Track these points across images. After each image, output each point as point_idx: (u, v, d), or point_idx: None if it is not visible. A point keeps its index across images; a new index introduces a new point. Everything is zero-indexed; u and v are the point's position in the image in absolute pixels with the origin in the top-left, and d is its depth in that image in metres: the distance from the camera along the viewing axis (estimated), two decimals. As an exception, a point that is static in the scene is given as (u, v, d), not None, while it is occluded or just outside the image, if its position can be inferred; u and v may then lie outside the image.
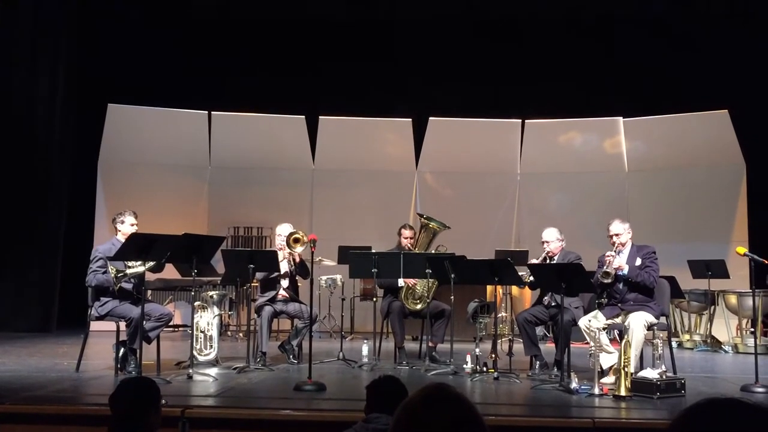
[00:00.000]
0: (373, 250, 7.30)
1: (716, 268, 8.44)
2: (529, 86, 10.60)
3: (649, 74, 10.37)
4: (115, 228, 6.26)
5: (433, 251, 7.19)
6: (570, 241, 6.79)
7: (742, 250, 5.88)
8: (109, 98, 10.21)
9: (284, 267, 6.86)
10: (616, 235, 6.04)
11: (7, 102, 9.74)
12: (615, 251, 5.97)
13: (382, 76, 10.84)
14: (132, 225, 6.20)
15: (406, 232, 7.30)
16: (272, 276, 6.84)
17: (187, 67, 10.56)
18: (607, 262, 5.91)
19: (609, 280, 5.87)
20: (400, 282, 7.04)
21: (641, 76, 10.42)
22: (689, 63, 9.96)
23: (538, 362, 6.38)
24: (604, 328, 5.90)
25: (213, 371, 6.12)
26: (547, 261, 6.46)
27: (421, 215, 7.83)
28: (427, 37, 10.81)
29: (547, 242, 6.50)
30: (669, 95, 10.19)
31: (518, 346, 7.12)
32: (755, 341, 6.23)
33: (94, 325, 6.38)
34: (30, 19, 9.84)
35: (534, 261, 6.53)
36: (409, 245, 7.21)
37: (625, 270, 5.90)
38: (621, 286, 5.97)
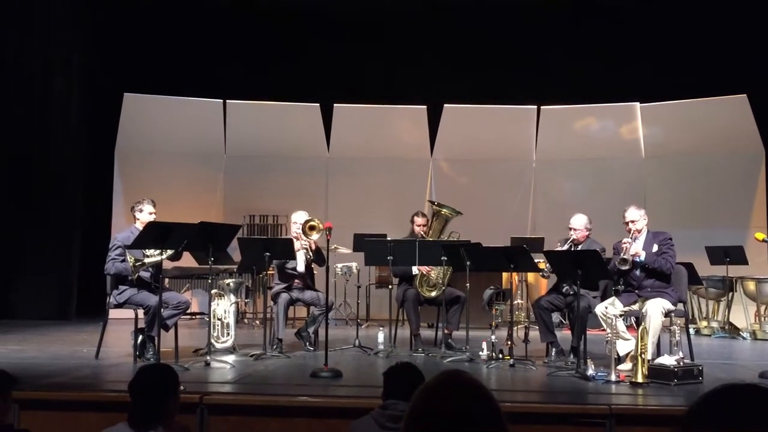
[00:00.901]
0: (389, 238, 7.31)
1: (734, 255, 8.38)
2: (545, 70, 10.50)
3: (666, 58, 10.23)
4: (134, 216, 6.30)
5: (446, 238, 7.19)
6: (587, 228, 6.75)
7: (761, 235, 5.84)
8: (125, 89, 10.26)
9: (300, 255, 6.88)
10: (632, 221, 6.00)
11: (24, 94, 9.81)
12: (631, 238, 5.94)
13: (396, 64, 10.77)
14: (150, 213, 6.23)
15: (419, 220, 7.29)
16: (289, 265, 6.87)
17: (202, 58, 10.56)
18: (624, 249, 5.87)
19: (627, 267, 5.84)
20: (414, 270, 7.05)
21: (658, 59, 10.27)
22: (708, 48, 9.81)
23: (554, 349, 6.37)
24: (620, 315, 5.88)
25: (230, 358, 6.17)
26: (571, 248, 6.40)
27: (432, 202, 7.82)
28: (441, 24, 10.74)
29: (574, 229, 6.42)
30: (687, 79, 10.05)
31: (534, 333, 7.10)
32: (774, 328, 6.19)
33: (113, 313, 6.44)
34: (44, 12, 9.89)
35: (558, 247, 6.47)
36: (422, 233, 7.21)
37: (642, 256, 5.86)
38: (638, 272, 5.93)
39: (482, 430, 1.34)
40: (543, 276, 6.56)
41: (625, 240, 5.94)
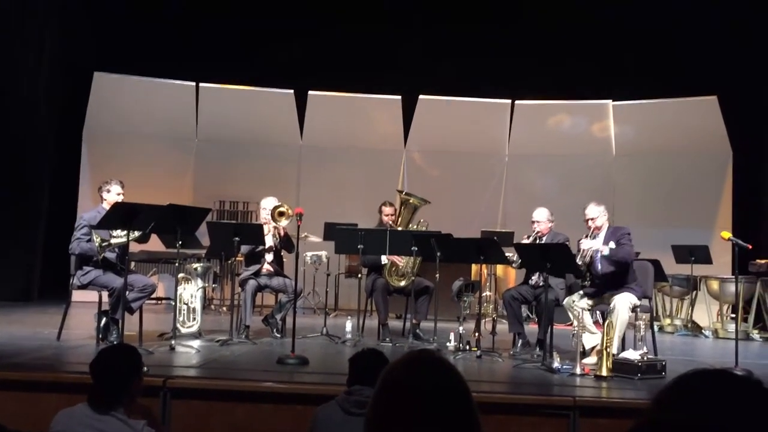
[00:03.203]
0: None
1: (699, 254, 8.51)
2: (520, 66, 10.54)
3: (638, 56, 10.33)
4: (101, 197, 6.20)
5: (414, 227, 7.20)
6: (556, 224, 6.80)
7: (727, 234, 5.92)
8: (95, 68, 10.08)
9: (269, 241, 6.82)
10: (591, 219, 6.05)
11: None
12: (590, 235, 5.97)
13: (372, 53, 10.71)
14: (118, 194, 6.13)
15: (387, 209, 7.30)
16: (257, 250, 6.81)
17: (176, 39, 10.39)
18: (582, 252, 5.89)
19: (587, 281, 5.95)
20: (383, 259, 7.04)
21: (630, 58, 10.37)
22: (681, 49, 9.93)
23: (520, 340, 6.40)
24: (588, 309, 5.93)
25: (195, 343, 6.10)
26: (536, 241, 6.46)
27: (400, 191, 7.84)
28: (420, 13, 10.71)
29: (537, 222, 6.50)
30: (660, 79, 10.16)
31: (501, 326, 7.14)
32: (736, 326, 6.30)
33: (76, 295, 6.34)
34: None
35: (525, 240, 6.52)
36: (390, 222, 7.21)
37: (606, 251, 5.88)
38: (599, 268, 5.97)
39: (450, 406, 1.33)
40: (513, 266, 6.61)
41: (582, 241, 5.92)
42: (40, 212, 9.78)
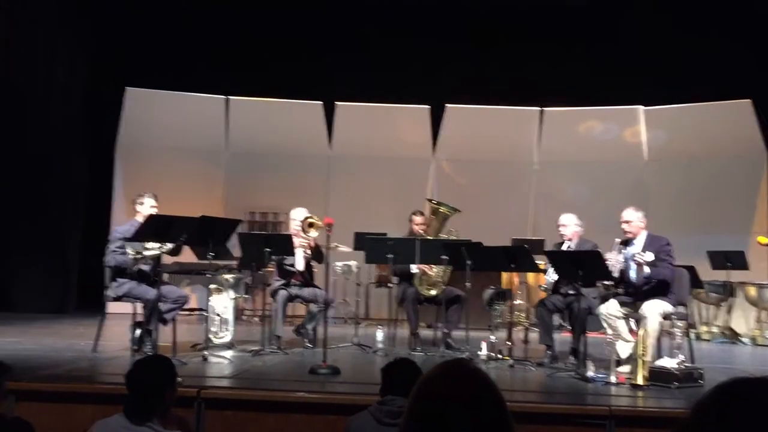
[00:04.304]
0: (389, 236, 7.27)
1: (736, 260, 8.34)
2: (548, 71, 10.46)
3: (671, 62, 10.20)
4: (135, 209, 6.28)
5: (444, 236, 7.17)
6: (587, 231, 6.71)
7: (764, 239, 5.83)
8: (127, 82, 10.24)
9: (299, 252, 6.84)
10: (627, 222, 5.95)
11: (26, 86, 9.77)
12: (617, 247, 5.84)
13: (399, 59, 10.72)
14: (152, 207, 6.21)
15: (417, 219, 7.28)
16: (286, 265, 6.84)
17: (205, 54, 10.52)
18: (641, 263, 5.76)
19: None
20: (413, 268, 7.02)
21: (663, 63, 10.24)
22: (712, 52, 9.78)
23: (549, 353, 6.29)
24: (622, 317, 5.84)
25: (228, 354, 6.14)
26: (563, 246, 6.38)
27: (430, 200, 7.82)
28: (446, 22, 10.71)
29: (564, 225, 6.42)
30: (691, 83, 10.01)
31: (534, 335, 7.08)
32: (775, 333, 6.16)
33: (111, 307, 6.41)
34: (48, 3, 9.85)
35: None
36: (420, 231, 7.19)
37: (648, 270, 5.75)
38: (634, 277, 5.86)
39: (485, 417, 1.32)
40: (542, 290, 6.54)
41: (607, 258, 5.79)
42: (76, 227, 9.94)
